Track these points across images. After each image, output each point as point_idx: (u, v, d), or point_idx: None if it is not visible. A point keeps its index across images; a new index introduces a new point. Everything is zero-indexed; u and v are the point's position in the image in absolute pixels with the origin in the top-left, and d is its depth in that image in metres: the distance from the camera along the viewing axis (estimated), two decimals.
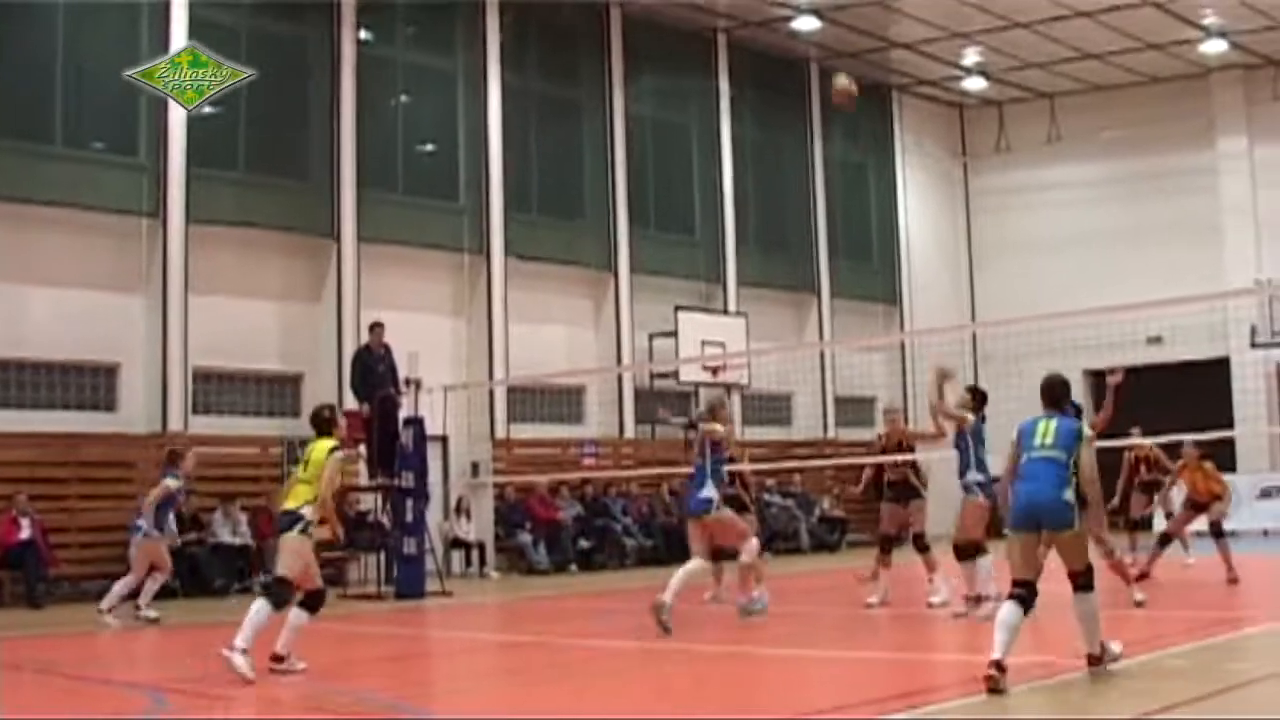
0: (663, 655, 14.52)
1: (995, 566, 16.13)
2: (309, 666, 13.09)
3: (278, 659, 12.96)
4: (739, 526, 17.23)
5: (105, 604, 19.35)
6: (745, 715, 10.66)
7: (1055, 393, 12.10)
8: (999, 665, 10.56)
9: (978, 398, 17.10)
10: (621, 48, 33.29)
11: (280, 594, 13.04)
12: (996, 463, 13.76)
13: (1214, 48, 36.62)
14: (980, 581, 16.48)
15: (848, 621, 17.58)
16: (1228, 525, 21.62)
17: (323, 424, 13.83)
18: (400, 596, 22.93)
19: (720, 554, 19.31)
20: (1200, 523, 21.48)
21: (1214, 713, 9.86)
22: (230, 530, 24.96)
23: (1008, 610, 11.04)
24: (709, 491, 16.65)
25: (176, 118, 25.51)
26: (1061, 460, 11.50)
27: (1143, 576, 19.39)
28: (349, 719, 11.14)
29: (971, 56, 37.81)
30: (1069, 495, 11.42)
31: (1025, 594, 11.14)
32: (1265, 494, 33.04)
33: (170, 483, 19.51)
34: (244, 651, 12.49)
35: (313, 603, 13.31)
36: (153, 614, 19.52)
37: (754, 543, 17.28)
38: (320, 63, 28.00)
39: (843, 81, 23.32)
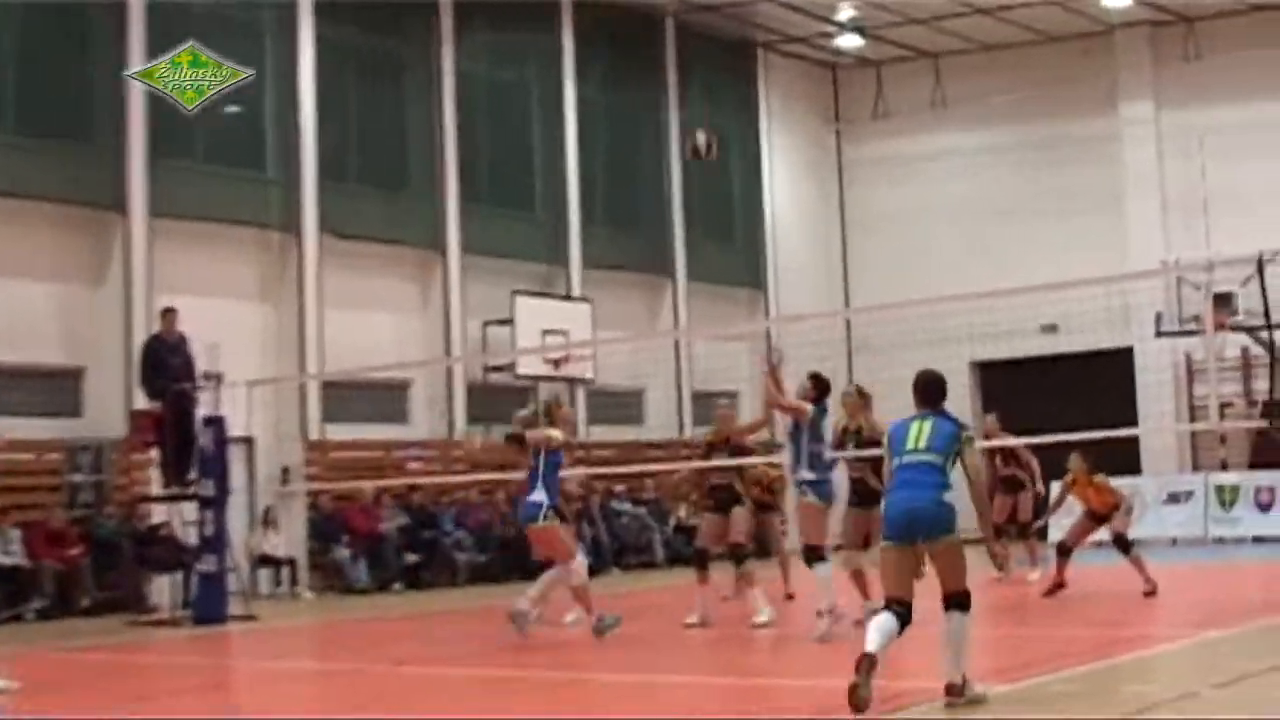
0: (497, 684, 14.56)
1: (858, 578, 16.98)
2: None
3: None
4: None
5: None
6: None
7: (930, 391, 12.34)
8: (871, 659, 11.08)
9: (819, 387, 17.37)
10: None
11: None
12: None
13: (1117, 2, 37.13)
14: (820, 593, 16.72)
15: (703, 643, 17.72)
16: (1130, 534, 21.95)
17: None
18: (199, 621, 22.59)
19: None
20: (1102, 532, 21.76)
21: None
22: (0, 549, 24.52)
23: (884, 618, 11.43)
24: None
25: None
26: (938, 464, 11.84)
27: (1059, 586, 20.48)
28: None
29: (846, 10, 37.94)
30: (947, 499, 11.74)
31: (901, 611, 11.48)
32: (1173, 499, 33.35)
33: None
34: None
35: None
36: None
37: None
38: (103, 7, 27.54)
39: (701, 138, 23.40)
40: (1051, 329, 35.68)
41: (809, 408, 17.04)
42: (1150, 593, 20.25)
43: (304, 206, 30.08)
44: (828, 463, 17.27)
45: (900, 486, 11.89)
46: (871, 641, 11.19)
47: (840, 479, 17.89)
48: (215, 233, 28.90)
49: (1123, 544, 21.07)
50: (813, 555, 16.73)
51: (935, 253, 38.83)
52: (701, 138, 23.41)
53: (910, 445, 11.96)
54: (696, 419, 36.89)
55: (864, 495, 17.79)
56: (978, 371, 37.58)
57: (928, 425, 12.02)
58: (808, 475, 16.88)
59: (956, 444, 11.94)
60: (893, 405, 14.73)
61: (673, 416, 36.90)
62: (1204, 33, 38.04)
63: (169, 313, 24.43)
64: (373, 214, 31.82)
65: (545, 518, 17.07)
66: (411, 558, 29.52)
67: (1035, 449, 23.62)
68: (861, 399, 18.47)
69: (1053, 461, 22.58)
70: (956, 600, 11.61)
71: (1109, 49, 39.21)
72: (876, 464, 17.54)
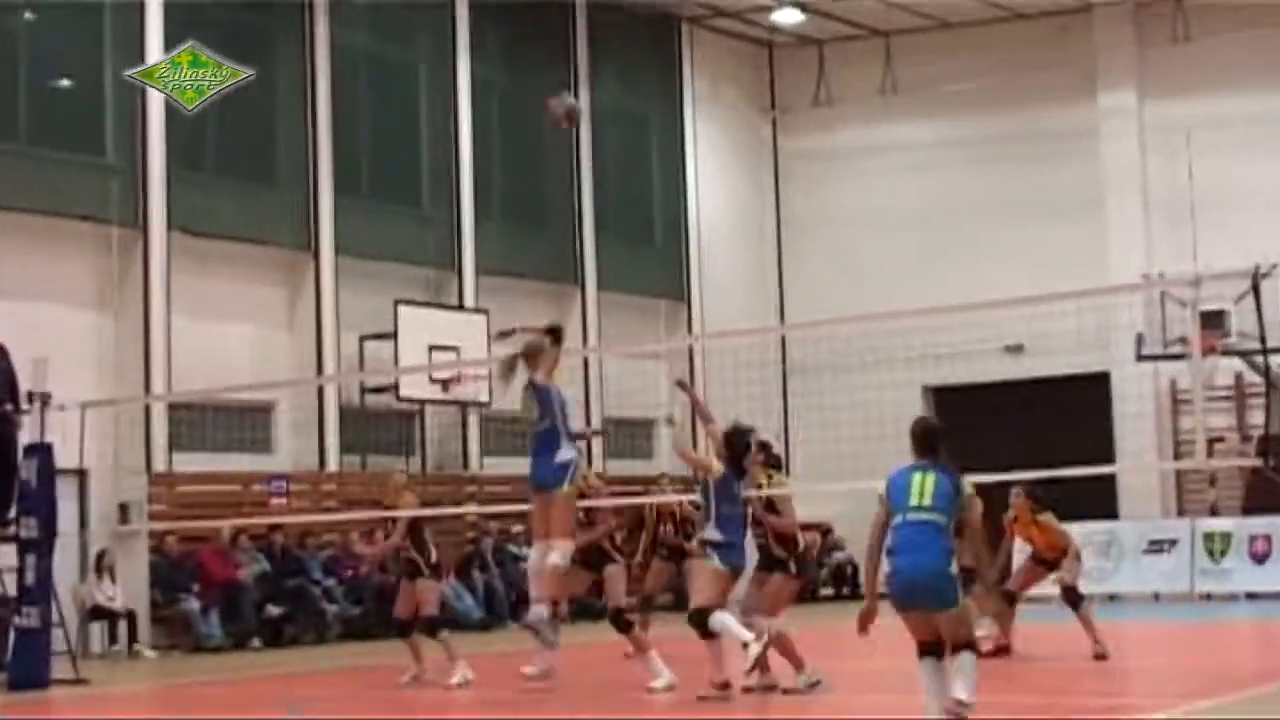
0: None
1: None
2: None
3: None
4: None
5: None
6: None
7: (927, 440, 13.10)
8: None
9: (730, 447, 17.60)
10: None
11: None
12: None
13: None
14: (734, 634, 16.88)
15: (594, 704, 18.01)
16: (1099, 589, 21.91)
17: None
18: (16, 686, 22.07)
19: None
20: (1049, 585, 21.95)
21: None
22: None
23: (926, 663, 12.58)
24: None
25: None
26: (942, 525, 12.62)
27: (1003, 650, 20.49)
28: None
29: None
30: (953, 569, 12.57)
31: (934, 649, 12.54)
32: (1155, 547, 33.31)
33: None
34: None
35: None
36: None
37: None
38: None
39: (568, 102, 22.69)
40: (1017, 350, 35.91)
41: (715, 465, 17.43)
42: (1100, 656, 20.22)
43: (150, 198, 29.82)
44: (740, 526, 17.52)
45: (904, 550, 12.55)
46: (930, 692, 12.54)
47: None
48: (44, 227, 28.62)
49: (1072, 597, 21.04)
50: (703, 616, 16.89)
51: (884, 261, 39.01)
52: (570, 101, 22.81)
53: (914, 501, 12.62)
54: (608, 449, 36.68)
55: (769, 561, 17.87)
56: (931, 398, 37.49)
57: (930, 480, 12.70)
58: (713, 536, 17.21)
59: (959, 501, 12.86)
60: (833, 435, 14.63)
61: (581, 445, 36.54)
62: (1194, 11, 38.09)
63: None
64: (232, 208, 31.71)
65: (572, 480, 17.73)
66: (273, 610, 29.37)
67: (995, 488, 23.43)
68: (761, 452, 18.34)
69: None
70: (965, 646, 12.54)
71: (1086, 28, 39.42)
72: (779, 533, 17.69)
